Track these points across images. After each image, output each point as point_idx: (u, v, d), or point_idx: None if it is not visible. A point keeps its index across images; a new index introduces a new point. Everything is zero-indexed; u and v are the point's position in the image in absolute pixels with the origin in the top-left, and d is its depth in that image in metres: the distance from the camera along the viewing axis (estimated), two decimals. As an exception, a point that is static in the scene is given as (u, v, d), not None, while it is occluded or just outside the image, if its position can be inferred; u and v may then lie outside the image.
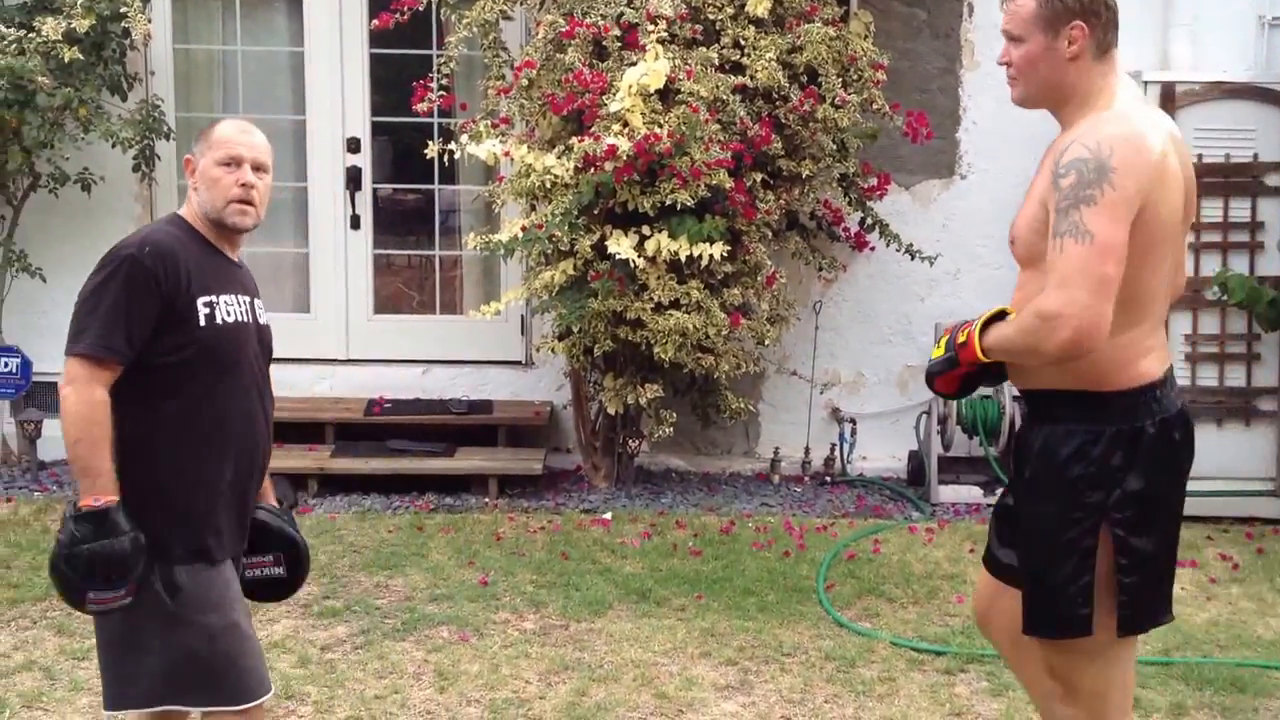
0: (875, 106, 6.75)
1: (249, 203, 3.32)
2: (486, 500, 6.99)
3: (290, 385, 7.63)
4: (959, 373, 3.18)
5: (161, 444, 3.20)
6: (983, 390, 7.27)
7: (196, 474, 3.23)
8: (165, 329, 3.16)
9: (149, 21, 6.99)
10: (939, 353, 3.19)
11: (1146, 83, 6.71)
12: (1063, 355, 2.87)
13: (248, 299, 3.37)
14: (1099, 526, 2.98)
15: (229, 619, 3.23)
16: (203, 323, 3.21)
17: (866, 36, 6.77)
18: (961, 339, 3.11)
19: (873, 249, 7.41)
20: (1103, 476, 2.98)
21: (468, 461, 7.22)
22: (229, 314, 3.27)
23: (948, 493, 7.21)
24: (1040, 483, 3.07)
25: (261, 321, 3.43)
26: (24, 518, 6.45)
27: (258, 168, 3.33)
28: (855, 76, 6.67)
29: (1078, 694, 3.13)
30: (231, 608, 3.25)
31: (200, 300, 3.21)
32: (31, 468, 7.25)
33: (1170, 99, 6.69)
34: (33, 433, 7.23)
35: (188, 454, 3.22)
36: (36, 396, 7.32)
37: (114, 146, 6.94)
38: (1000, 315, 3.10)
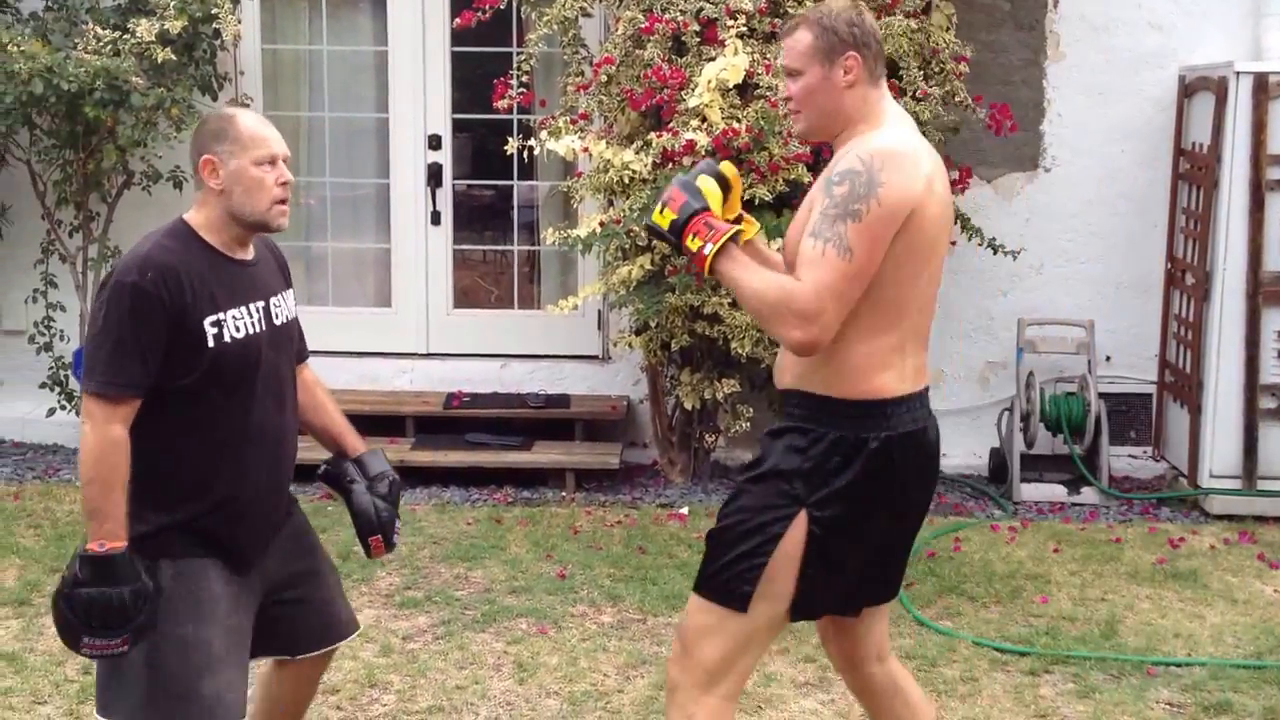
0: (957, 99, 6.69)
1: (286, 201, 3.23)
2: (564, 494, 7.02)
3: (372, 378, 7.72)
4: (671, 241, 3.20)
5: (172, 462, 3.14)
6: (1066, 387, 7.27)
7: (209, 491, 3.16)
8: (174, 351, 3.07)
9: (239, 22, 7.10)
10: (661, 221, 3.17)
11: (1239, 73, 6.59)
12: (793, 348, 3.03)
13: (261, 304, 3.26)
14: (794, 516, 3.08)
15: (200, 635, 3.12)
16: (211, 344, 3.11)
17: (948, 29, 6.70)
18: (693, 245, 3.11)
19: (953, 243, 7.33)
20: (813, 473, 3.09)
21: (545, 455, 7.25)
22: (237, 329, 3.16)
23: (1030, 491, 7.13)
24: (757, 465, 3.19)
25: (278, 322, 3.31)
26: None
27: (285, 162, 3.25)
28: (937, 69, 6.61)
29: (695, 662, 3.18)
30: (209, 624, 3.14)
31: (207, 320, 3.10)
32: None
33: (1263, 89, 6.56)
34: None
35: (200, 472, 3.15)
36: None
37: (205, 144, 7.04)
38: (735, 236, 3.12)
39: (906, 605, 5.44)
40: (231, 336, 3.15)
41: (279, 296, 3.35)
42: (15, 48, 6.64)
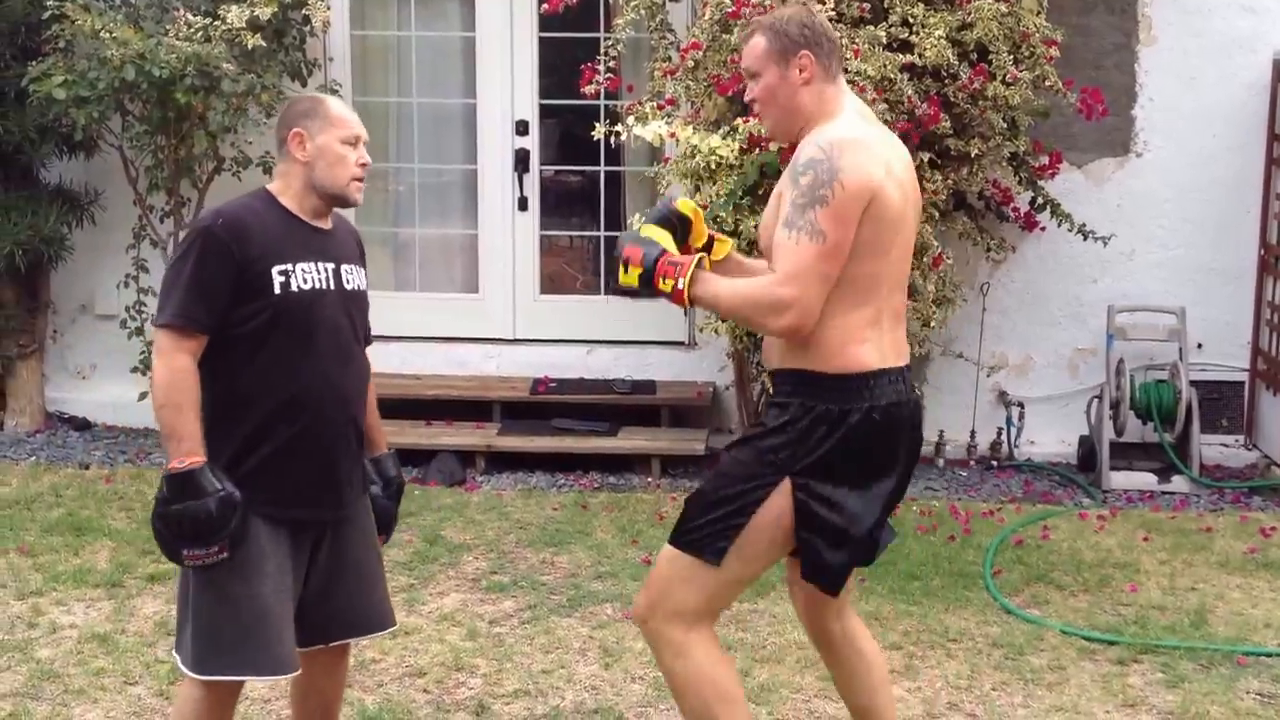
0: (1048, 83, 6.61)
1: (363, 180, 3.45)
2: (649, 480, 7.04)
3: (459, 363, 7.78)
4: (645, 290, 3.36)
5: (239, 409, 3.29)
6: (1157, 375, 7.18)
7: (272, 438, 3.29)
8: (242, 297, 3.24)
9: (328, 8, 7.17)
10: (630, 280, 3.33)
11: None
12: (783, 335, 3.24)
13: (331, 265, 3.41)
14: (777, 483, 3.25)
15: (252, 589, 3.26)
16: (277, 290, 3.28)
17: (1039, 12, 6.61)
18: (665, 287, 3.29)
19: (1043, 229, 7.27)
20: (798, 444, 3.24)
21: (631, 441, 7.28)
22: (305, 280, 3.33)
23: (1120, 479, 7.06)
24: (747, 435, 3.41)
25: (349, 288, 3.46)
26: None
27: (365, 145, 3.48)
28: (1027, 53, 6.53)
29: (672, 608, 3.34)
30: (258, 578, 3.27)
31: (275, 268, 3.28)
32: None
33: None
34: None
35: (264, 419, 3.29)
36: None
37: (294, 131, 7.12)
38: (700, 263, 3.31)
39: (994, 593, 5.41)
40: (299, 286, 3.32)
41: (350, 265, 3.50)
42: (108, 34, 6.75)
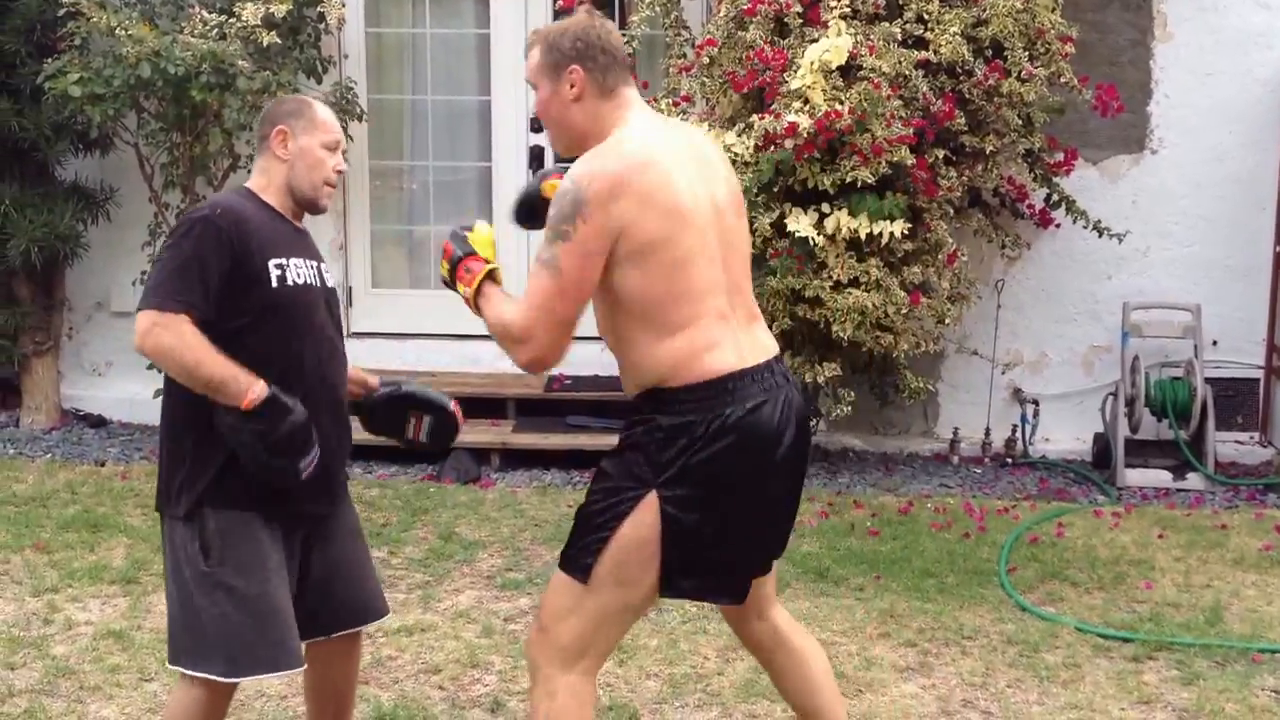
0: (1063, 80, 6.60)
1: (334, 186, 3.47)
2: (664, 476, 7.04)
3: (474, 360, 7.78)
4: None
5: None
6: (1172, 372, 7.17)
7: None
8: (238, 290, 3.23)
9: (343, 6, 7.19)
10: (443, 272, 3.34)
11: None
12: (521, 367, 3.18)
13: (315, 262, 3.45)
14: (642, 498, 3.12)
15: (259, 587, 3.25)
16: (274, 284, 3.29)
17: (1054, 9, 6.61)
18: (460, 290, 3.28)
19: (1058, 226, 7.26)
20: (661, 456, 3.12)
21: (646, 438, 7.26)
22: (299, 276, 3.35)
23: (1135, 476, 7.05)
24: (609, 464, 3.25)
25: (329, 285, 3.50)
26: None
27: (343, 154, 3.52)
28: (1042, 49, 6.53)
29: (552, 641, 3.20)
30: (264, 575, 3.27)
31: (271, 262, 3.29)
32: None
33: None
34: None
35: None
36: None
37: (309, 128, 7.13)
38: (491, 274, 3.26)
39: (1009, 590, 5.40)
40: (294, 281, 3.34)
41: (325, 264, 3.55)
42: (123, 31, 6.77)
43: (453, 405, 3.69)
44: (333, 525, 3.51)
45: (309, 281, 3.38)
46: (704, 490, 3.12)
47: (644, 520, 3.13)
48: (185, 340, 3.14)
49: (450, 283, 3.32)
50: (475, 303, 3.24)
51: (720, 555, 3.21)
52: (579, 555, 3.19)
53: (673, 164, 3.12)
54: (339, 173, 3.47)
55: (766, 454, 3.17)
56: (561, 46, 3.18)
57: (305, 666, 3.39)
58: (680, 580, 3.19)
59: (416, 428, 3.68)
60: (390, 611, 3.76)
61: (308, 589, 3.45)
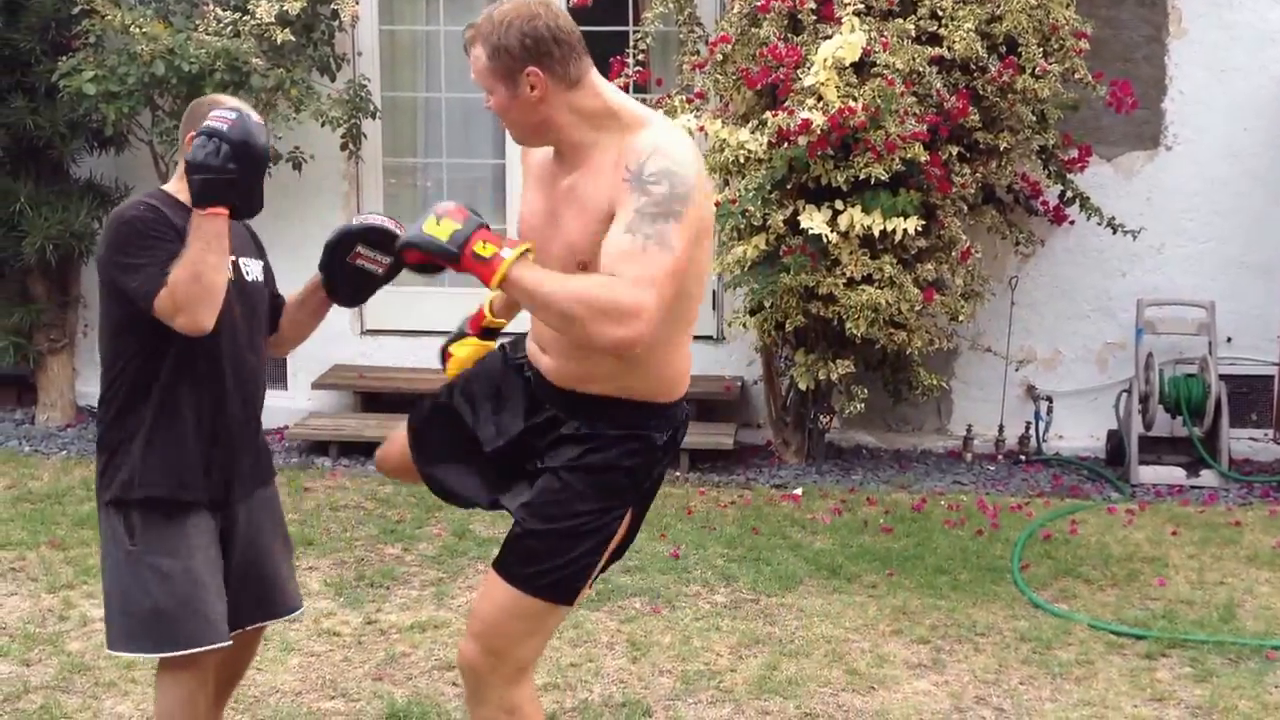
0: (1077, 76, 6.60)
1: None
2: (678, 474, 7.04)
3: (486, 358, 7.77)
4: (448, 266, 2.98)
5: (160, 388, 3.30)
6: (1186, 369, 7.15)
7: (180, 421, 3.32)
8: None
9: (357, 3, 7.19)
10: (438, 233, 2.94)
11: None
12: (609, 347, 2.83)
13: (230, 258, 3.39)
14: (624, 516, 3.10)
15: (183, 563, 3.30)
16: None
17: (1069, 5, 6.60)
18: (485, 251, 2.88)
19: (1072, 223, 7.25)
20: (640, 475, 3.10)
21: (659, 434, 7.27)
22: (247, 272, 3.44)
23: (1148, 473, 7.03)
24: (590, 482, 3.06)
25: (247, 278, 3.48)
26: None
27: None
28: (1056, 46, 6.52)
29: (510, 662, 3.09)
30: (187, 552, 3.31)
31: None
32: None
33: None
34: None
35: (174, 400, 3.31)
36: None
37: (323, 126, 7.15)
38: (526, 251, 2.91)
39: (1022, 587, 5.40)
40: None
41: (247, 259, 3.53)
42: (137, 29, 6.78)
43: (373, 220, 3.53)
44: (258, 517, 3.55)
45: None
46: (648, 503, 3.21)
47: (616, 536, 3.12)
48: (189, 273, 3.16)
49: (453, 246, 2.91)
50: (510, 270, 2.85)
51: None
52: (569, 579, 3.06)
53: None
54: None
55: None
56: (510, 48, 2.90)
57: (230, 642, 3.41)
58: (583, 582, 3.17)
59: (372, 260, 3.49)
60: (301, 607, 3.75)
61: (228, 579, 3.47)
